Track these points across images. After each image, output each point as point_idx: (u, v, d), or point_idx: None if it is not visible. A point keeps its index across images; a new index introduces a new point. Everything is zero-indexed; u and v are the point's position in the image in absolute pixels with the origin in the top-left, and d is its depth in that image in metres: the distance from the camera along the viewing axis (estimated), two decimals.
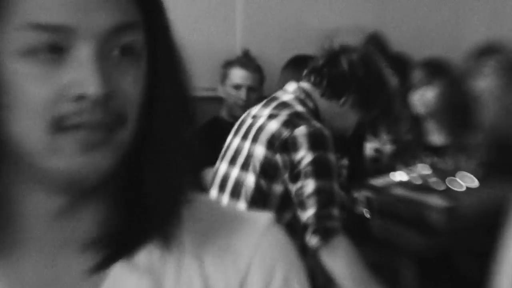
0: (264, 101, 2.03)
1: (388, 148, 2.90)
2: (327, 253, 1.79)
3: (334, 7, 3.51)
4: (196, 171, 3.00)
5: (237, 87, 3.07)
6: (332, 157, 1.83)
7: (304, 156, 1.81)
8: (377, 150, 2.93)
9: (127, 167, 0.67)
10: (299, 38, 3.32)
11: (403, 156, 2.65)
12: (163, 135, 0.67)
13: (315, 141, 1.82)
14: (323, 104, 1.98)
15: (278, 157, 1.85)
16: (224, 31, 3.33)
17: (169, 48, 0.68)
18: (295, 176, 1.83)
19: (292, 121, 1.87)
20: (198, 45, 3.26)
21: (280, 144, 1.84)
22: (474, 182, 2.32)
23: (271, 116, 1.92)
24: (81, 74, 0.60)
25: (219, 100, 3.16)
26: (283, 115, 1.90)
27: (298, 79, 2.07)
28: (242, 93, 3.06)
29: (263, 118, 1.93)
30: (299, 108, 1.93)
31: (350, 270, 1.80)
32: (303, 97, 1.97)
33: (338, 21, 3.35)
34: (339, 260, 1.80)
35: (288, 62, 3.01)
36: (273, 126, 1.88)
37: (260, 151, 1.88)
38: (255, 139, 1.90)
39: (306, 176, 1.80)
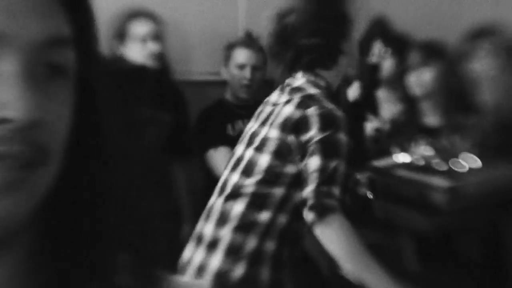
0: (279, 88, 2.07)
1: (388, 127, 2.92)
2: (322, 229, 1.80)
3: None
4: (201, 152, 3.03)
5: (241, 66, 3.06)
6: (342, 137, 1.86)
7: (313, 135, 1.85)
8: (377, 130, 2.95)
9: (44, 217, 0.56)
10: None
11: (398, 137, 2.66)
12: (87, 181, 0.57)
13: (326, 122, 1.85)
14: (330, 74, 2.02)
15: (291, 139, 1.89)
16: (227, 15, 3.33)
17: (99, 72, 0.59)
18: (303, 155, 1.86)
19: (304, 103, 1.91)
20: (200, 30, 3.27)
21: (293, 126, 1.88)
22: (477, 163, 2.33)
23: (287, 102, 1.96)
24: (4, 93, 0.49)
25: (223, 84, 3.18)
26: (296, 98, 1.94)
27: None
28: (247, 72, 3.05)
29: (281, 105, 1.98)
30: (312, 90, 1.97)
31: (345, 247, 1.81)
32: (313, 79, 2.00)
33: None
34: (334, 237, 1.81)
35: None
36: (287, 110, 1.93)
37: (274, 133, 1.92)
38: (271, 124, 1.95)
39: (313, 155, 1.84)
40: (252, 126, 2.06)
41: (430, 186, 2.24)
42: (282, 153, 1.90)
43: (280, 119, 1.93)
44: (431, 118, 2.73)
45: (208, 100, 3.16)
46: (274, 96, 2.06)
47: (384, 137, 2.91)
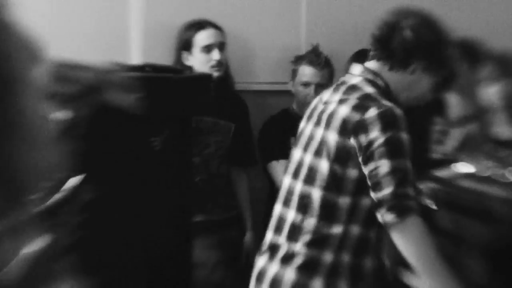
0: (334, 86, 2.04)
1: (456, 132, 2.87)
2: (400, 231, 1.81)
3: None
4: (265, 162, 3.06)
5: (306, 84, 3.10)
6: (404, 136, 1.84)
7: (376, 137, 1.83)
8: (442, 132, 2.91)
9: None
10: (364, 30, 3.30)
11: (468, 147, 2.62)
12: None
13: (386, 122, 1.84)
14: (393, 78, 1.98)
15: (351, 141, 1.86)
16: (289, 25, 3.34)
17: None
18: (368, 157, 1.84)
19: (362, 104, 1.88)
20: (263, 40, 3.30)
21: (352, 128, 1.86)
22: None
23: (341, 101, 1.93)
24: None
25: (284, 94, 3.20)
26: (353, 98, 1.91)
27: None
28: (311, 91, 3.08)
29: (334, 104, 1.94)
30: (368, 89, 1.93)
31: (421, 251, 1.83)
32: (371, 77, 1.97)
33: None
34: (411, 240, 1.82)
35: (354, 54, 3.03)
36: (344, 111, 1.90)
37: (332, 137, 1.89)
38: (327, 126, 1.92)
39: (380, 157, 1.82)
40: (306, 126, 2.04)
41: (493, 197, 2.20)
42: (342, 157, 1.88)
43: (337, 121, 1.89)
44: (503, 130, 2.68)
45: (269, 110, 3.19)
46: (327, 94, 2.02)
47: (449, 140, 2.87)
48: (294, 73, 3.15)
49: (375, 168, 1.83)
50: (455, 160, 2.51)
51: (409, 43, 1.96)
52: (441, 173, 2.43)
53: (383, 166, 1.81)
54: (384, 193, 1.81)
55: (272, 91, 3.30)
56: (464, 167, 2.42)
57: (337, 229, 1.89)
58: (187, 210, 2.47)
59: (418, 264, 1.84)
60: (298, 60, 3.14)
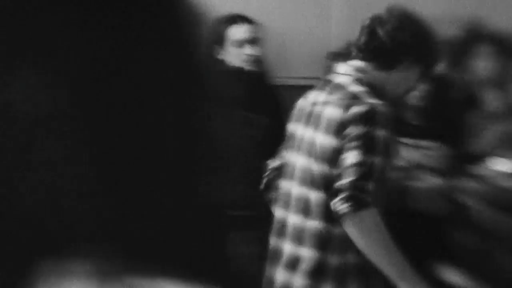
0: (320, 86, 2.05)
1: (493, 127, 2.84)
2: (354, 223, 1.81)
3: None
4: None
5: None
6: (380, 133, 1.84)
7: (353, 131, 1.84)
8: (479, 127, 2.89)
9: None
10: None
11: (506, 143, 2.61)
12: None
13: (366, 119, 1.84)
14: (380, 76, 1.98)
15: (337, 142, 1.87)
16: (321, 21, 3.34)
17: None
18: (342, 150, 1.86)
19: (345, 104, 1.88)
20: (297, 35, 3.30)
21: (336, 129, 1.87)
22: None
23: (326, 102, 1.94)
24: None
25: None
26: (337, 98, 1.91)
27: None
28: None
29: (320, 105, 1.95)
30: (353, 88, 1.93)
31: (374, 245, 1.82)
32: (356, 75, 1.97)
33: (438, 8, 3.30)
34: (365, 232, 1.81)
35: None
36: (329, 111, 1.91)
37: (320, 138, 1.90)
38: (315, 127, 1.93)
39: (350, 149, 1.82)
40: (296, 129, 2.04)
41: None
42: (330, 158, 1.88)
43: (324, 123, 1.90)
44: None
45: None
46: (313, 95, 2.03)
47: (484, 134, 2.85)
48: (329, 69, 3.14)
49: (343, 159, 1.83)
50: (492, 155, 2.50)
51: (391, 44, 1.97)
52: (479, 170, 2.42)
53: (350, 157, 1.82)
54: (343, 182, 1.80)
55: (307, 86, 3.29)
56: (501, 164, 2.41)
57: (337, 230, 1.89)
58: (222, 204, 2.47)
59: (371, 254, 1.83)
60: (335, 56, 3.14)
